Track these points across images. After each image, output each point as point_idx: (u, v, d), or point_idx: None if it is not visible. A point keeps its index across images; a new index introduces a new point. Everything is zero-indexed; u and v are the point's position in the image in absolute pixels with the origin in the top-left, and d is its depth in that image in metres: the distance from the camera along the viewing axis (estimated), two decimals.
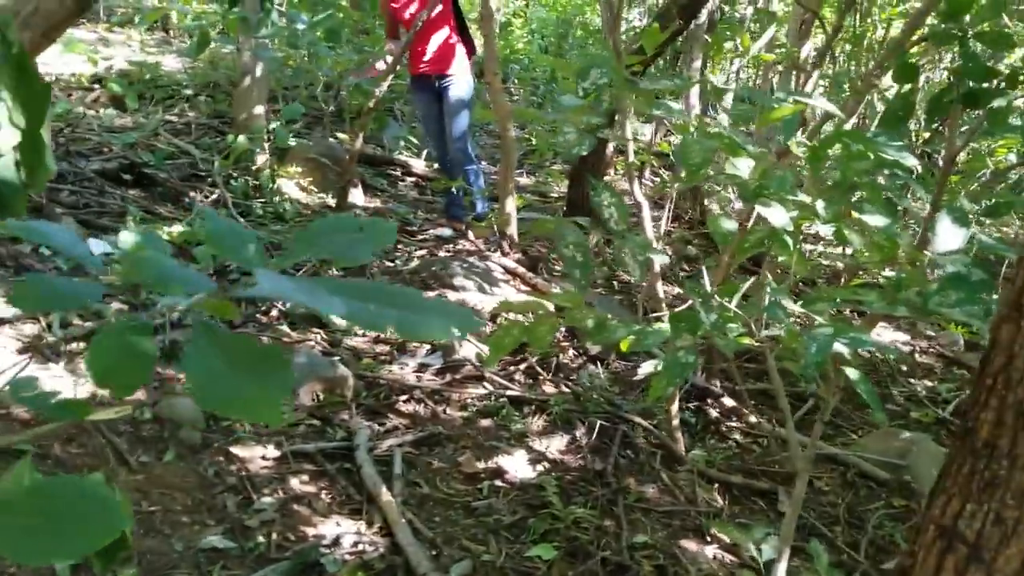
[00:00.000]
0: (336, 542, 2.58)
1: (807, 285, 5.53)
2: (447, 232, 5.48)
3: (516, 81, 11.73)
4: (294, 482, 2.83)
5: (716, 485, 3.27)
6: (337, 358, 3.65)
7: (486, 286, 4.51)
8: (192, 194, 4.87)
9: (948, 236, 1.85)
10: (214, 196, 4.88)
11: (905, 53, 3.34)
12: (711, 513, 3.05)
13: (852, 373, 1.64)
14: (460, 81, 5.18)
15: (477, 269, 4.66)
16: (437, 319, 0.97)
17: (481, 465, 3.12)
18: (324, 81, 6.56)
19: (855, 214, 1.94)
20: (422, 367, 3.77)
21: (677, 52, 8.95)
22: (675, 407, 3.45)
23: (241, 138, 5.22)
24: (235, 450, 2.90)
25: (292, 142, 5.70)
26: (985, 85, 2.85)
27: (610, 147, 6.05)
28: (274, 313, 3.98)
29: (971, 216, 2.03)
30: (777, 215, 1.80)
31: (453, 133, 5.23)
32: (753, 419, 3.85)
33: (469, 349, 3.85)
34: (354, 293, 0.96)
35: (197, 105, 6.49)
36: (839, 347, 1.55)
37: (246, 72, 5.52)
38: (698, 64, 7.25)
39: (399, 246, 5.19)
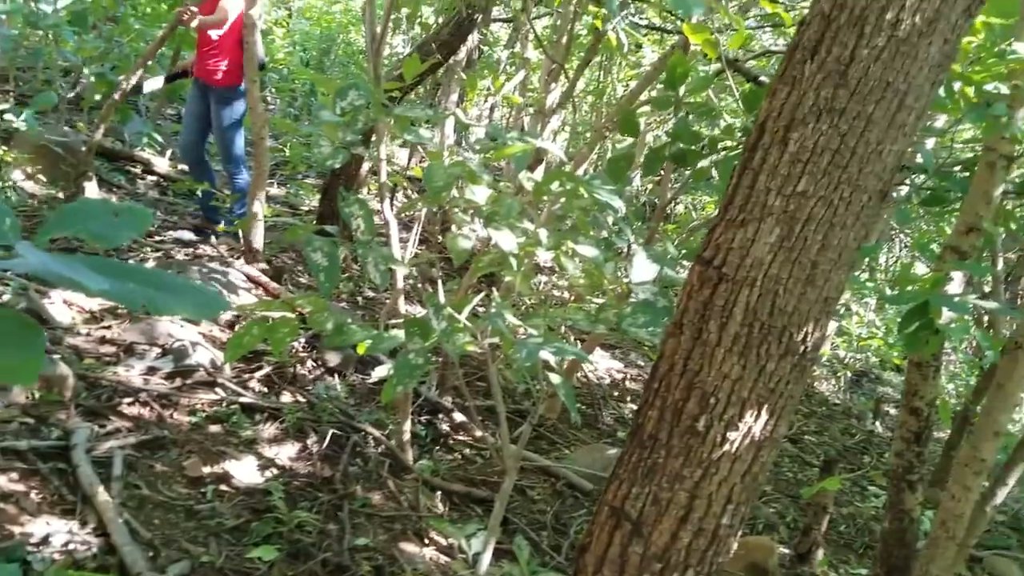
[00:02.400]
0: (45, 541, 2.47)
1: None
2: (188, 235, 5.32)
3: (274, 90, 11.55)
4: (2, 480, 2.67)
5: (439, 493, 3.47)
6: (57, 356, 3.46)
7: (226, 293, 4.45)
8: None
9: (642, 269, 2.18)
10: None
11: (631, 111, 3.80)
12: (432, 518, 3.25)
13: (555, 378, 1.89)
14: (232, 94, 5.13)
15: (217, 275, 4.59)
16: (188, 299, 1.06)
17: (207, 470, 3.10)
18: (64, 66, 6.14)
19: (571, 244, 2.23)
20: (151, 370, 3.67)
21: (437, 84, 9.27)
22: (407, 419, 3.62)
23: None
24: None
25: (22, 126, 5.27)
26: (693, 147, 3.32)
27: (364, 167, 6.19)
28: None
29: (675, 258, 2.39)
30: (505, 239, 2.04)
31: (222, 143, 5.21)
32: (479, 433, 4.11)
33: (203, 354, 3.79)
34: (112, 271, 1.02)
35: None
36: (546, 354, 1.79)
37: None
38: (455, 98, 7.61)
39: (133, 246, 4.97)
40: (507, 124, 10.91)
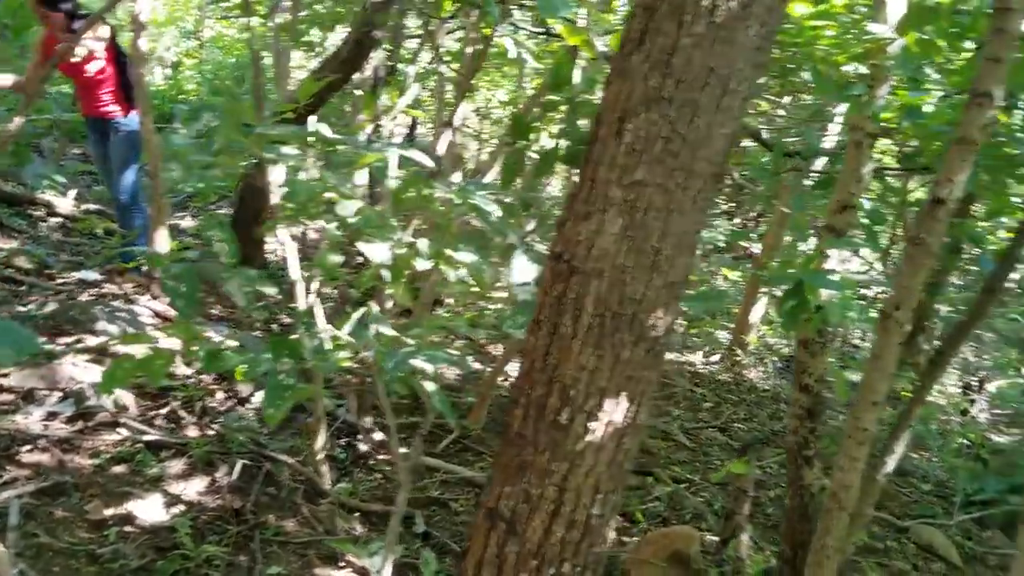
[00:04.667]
0: None
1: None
2: (92, 275, 5.18)
3: (184, 122, 11.35)
4: None
5: (357, 514, 3.42)
6: None
7: (131, 330, 4.34)
8: None
9: (522, 270, 2.19)
10: None
11: (522, 115, 3.81)
12: (335, 540, 3.19)
13: (429, 386, 1.88)
14: (122, 125, 5.04)
15: (122, 313, 4.47)
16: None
17: (110, 512, 3.02)
18: None
19: (449, 252, 2.22)
20: (51, 415, 3.55)
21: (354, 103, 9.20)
22: (320, 443, 3.56)
23: None
24: None
25: None
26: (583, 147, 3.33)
27: (275, 196, 6.11)
28: None
29: None
30: (377, 251, 2.03)
31: (116, 176, 5.12)
32: (401, 451, 4.07)
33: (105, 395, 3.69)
34: None
35: None
36: (420, 363, 1.78)
37: None
38: (362, 117, 7.56)
39: (33, 290, 4.83)
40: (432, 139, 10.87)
